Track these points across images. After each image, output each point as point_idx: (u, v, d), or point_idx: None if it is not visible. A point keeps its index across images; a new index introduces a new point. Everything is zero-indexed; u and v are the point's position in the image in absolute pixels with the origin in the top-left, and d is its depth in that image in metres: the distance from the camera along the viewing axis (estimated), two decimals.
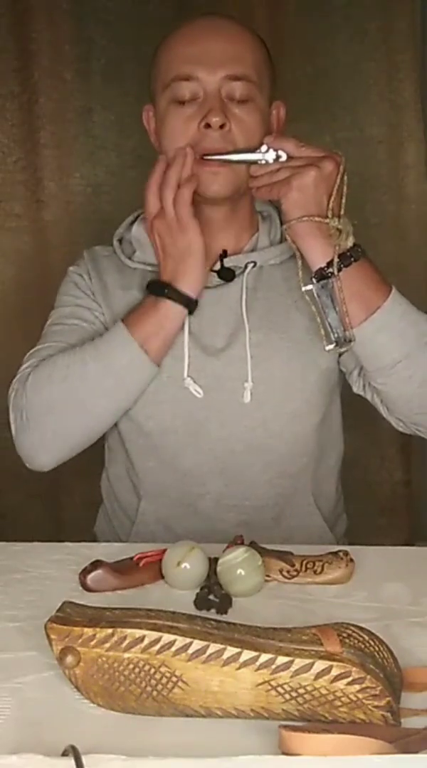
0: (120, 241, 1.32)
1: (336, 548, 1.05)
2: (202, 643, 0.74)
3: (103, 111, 2.02)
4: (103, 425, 1.23)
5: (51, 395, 1.18)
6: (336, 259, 1.09)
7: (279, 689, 0.73)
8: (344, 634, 0.76)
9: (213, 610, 0.95)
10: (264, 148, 1.14)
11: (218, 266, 1.25)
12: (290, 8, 1.98)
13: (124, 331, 1.17)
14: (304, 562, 1.02)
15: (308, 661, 0.72)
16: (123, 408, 1.23)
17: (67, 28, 1.97)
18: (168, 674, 0.74)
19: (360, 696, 0.71)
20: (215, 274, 1.25)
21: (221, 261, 1.25)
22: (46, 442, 1.20)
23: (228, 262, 1.25)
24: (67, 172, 2.02)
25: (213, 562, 1.00)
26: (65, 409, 1.18)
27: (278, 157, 1.13)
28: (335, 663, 0.72)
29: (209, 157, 1.15)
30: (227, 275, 1.24)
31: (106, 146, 2.03)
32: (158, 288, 1.18)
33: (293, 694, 0.72)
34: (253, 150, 1.15)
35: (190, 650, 0.74)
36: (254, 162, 1.14)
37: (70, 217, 2.03)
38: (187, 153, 1.15)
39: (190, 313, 1.19)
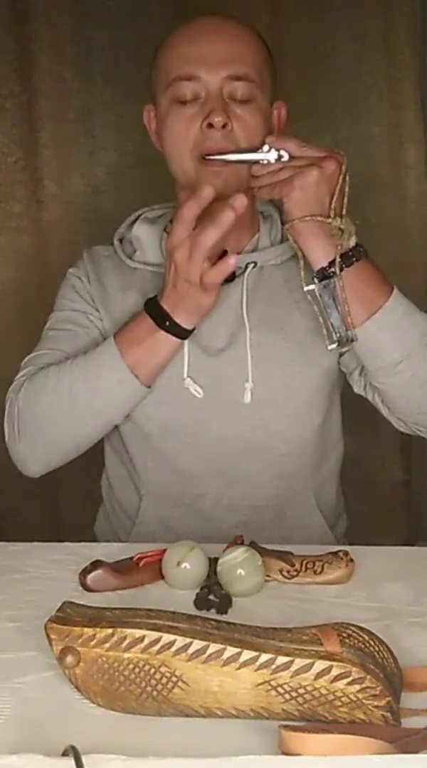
0: (121, 240, 1.32)
1: (336, 548, 1.05)
2: (202, 643, 0.74)
3: (103, 111, 2.03)
4: (92, 440, 1.24)
5: (41, 411, 1.19)
6: (338, 259, 1.09)
7: (279, 689, 0.73)
8: (344, 634, 0.76)
9: (213, 610, 0.94)
10: (266, 147, 1.13)
11: None
12: (289, 8, 1.99)
13: (116, 351, 1.16)
14: (304, 562, 1.02)
15: (308, 661, 0.72)
16: (111, 425, 1.24)
17: (67, 28, 1.98)
18: (168, 674, 0.74)
19: (360, 696, 0.71)
20: None
21: None
22: (35, 453, 1.22)
23: None
24: (67, 172, 2.03)
25: (213, 562, 1.00)
26: (54, 425, 1.19)
27: (279, 156, 1.13)
28: (335, 663, 0.72)
29: (211, 158, 1.15)
30: (228, 275, 1.24)
31: (106, 146, 2.04)
32: (158, 315, 1.15)
33: (293, 694, 0.72)
34: (255, 150, 1.14)
35: (190, 650, 0.74)
36: (256, 162, 1.14)
37: (70, 217, 2.04)
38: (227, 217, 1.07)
39: (184, 338, 1.17)
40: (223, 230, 1.07)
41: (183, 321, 1.14)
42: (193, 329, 1.16)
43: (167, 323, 1.14)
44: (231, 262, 1.09)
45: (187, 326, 1.15)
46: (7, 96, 2.00)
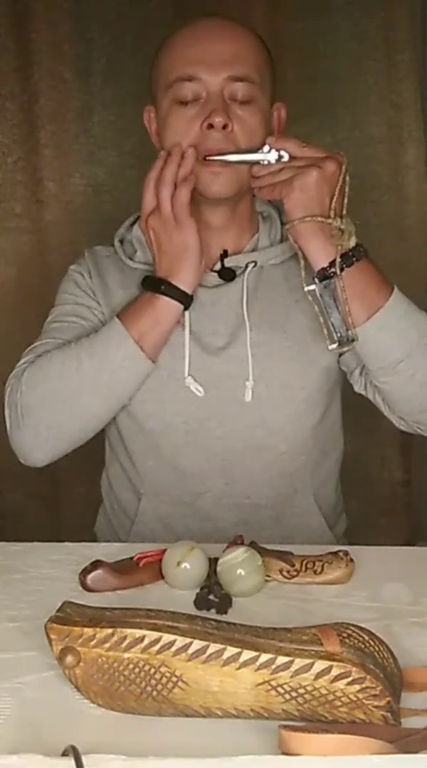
0: (121, 241, 1.32)
1: (336, 548, 1.05)
2: (202, 643, 0.74)
3: (103, 111, 2.02)
4: (98, 422, 1.23)
5: (46, 391, 1.18)
6: (338, 259, 1.10)
7: (279, 689, 0.73)
8: (344, 634, 0.76)
9: (213, 610, 0.95)
10: (266, 148, 1.14)
11: (218, 266, 1.25)
12: (289, 8, 1.98)
13: (120, 327, 1.17)
14: (304, 562, 1.02)
15: (308, 661, 0.72)
16: (118, 404, 1.23)
17: (67, 28, 1.97)
18: (168, 674, 0.74)
19: (360, 696, 0.72)
20: (215, 274, 1.25)
21: (222, 261, 1.25)
22: (40, 439, 1.20)
23: (229, 262, 1.25)
24: (67, 172, 2.03)
25: (213, 562, 1.00)
26: (60, 405, 1.18)
27: (280, 157, 1.13)
28: (335, 663, 0.72)
29: (211, 158, 1.15)
30: (228, 275, 1.25)
31: (106, 146, 2.03)
32: (154, 284, 1.18)
33: (293, 694, 0.72)
34: (255, 150, 1.15)
35: (190, 650, 0.74)
36: (256, 162, 1.14)
37: (70, 217, 2.03)
38: (187, 153, 1.15)
39: (186, 308, 1.19)
40: (176, 163, 1.15)
41: (180, 281, 1.17)
42: (192, 298, 1.18)
43: (163, 287, 1.17)
44: (186, 153, 1.15)
45: (186, 287, 1.17)
46: (7, 96, 1.99)
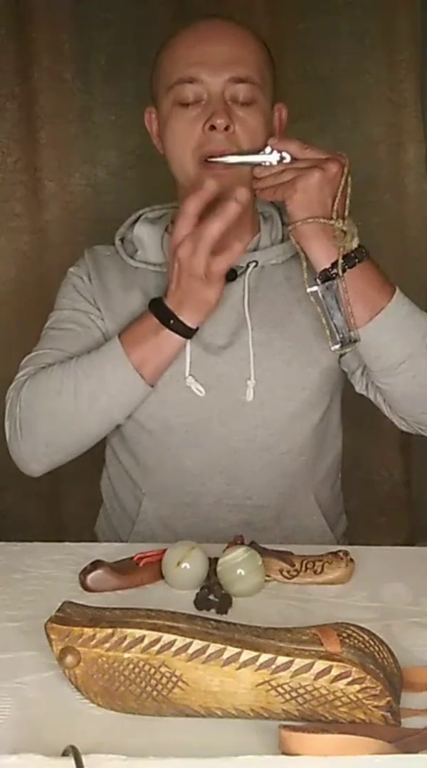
0: (122, 240, 1.32)
1: (336, 548, 1.05)
2: (202, 643, 0.74)
3: (103, 111, 2.02)
4: (95, 438, 1.24)
5: (44, 409, 1.19)
6: (340, 261, 1.09)
7: (279, 689, 0.73)
8: (344, 634, 0.76)
9: (213, 610, 0.95)
10: (268, 149, 1.14)
11: None
12: (290, 8, 1.98)
13: (121, 350, 1.16)
14: (304, 562, 1.02)
15: (308, 661, 0.72)
16: (115, 423, 1.23)
17: (67, 28, 1.97)
18: (168, 674, 0.74)
19: (360, 696, 0.72)
20: None
21: None
22: (37, 452, 1.21)
23: None
24: (67, 172, 2.03)
25: (213, 562, 1.00)
26: (57, 423, 1.19)
27: (281, 158, 1.13)
28: (335, 663, 0.72)
29: (214, 160, 1.15)
30: (229, 275, 1.24)
31: (106, 146, 2.03)
32: (162, 314, 1.16)
33: (293, 694, 0.72)
34: (257, 152, 1.15)
35: (190, 650, 0.74)
36: (258, 164, 1.14)
37: (70, 217, 2.03)
38: (234, 207, 1.08)
39: (189, 338, 1.18)
40: (227, 222, 1.08)
41: (188, 319, 1.15)
42: (198, 328, 1.17)
43: (171, 321, 1.15)
44: (237, 249, 1.10)
45: (192, 324, 1.15)
46: (7, 96, 1.99)
